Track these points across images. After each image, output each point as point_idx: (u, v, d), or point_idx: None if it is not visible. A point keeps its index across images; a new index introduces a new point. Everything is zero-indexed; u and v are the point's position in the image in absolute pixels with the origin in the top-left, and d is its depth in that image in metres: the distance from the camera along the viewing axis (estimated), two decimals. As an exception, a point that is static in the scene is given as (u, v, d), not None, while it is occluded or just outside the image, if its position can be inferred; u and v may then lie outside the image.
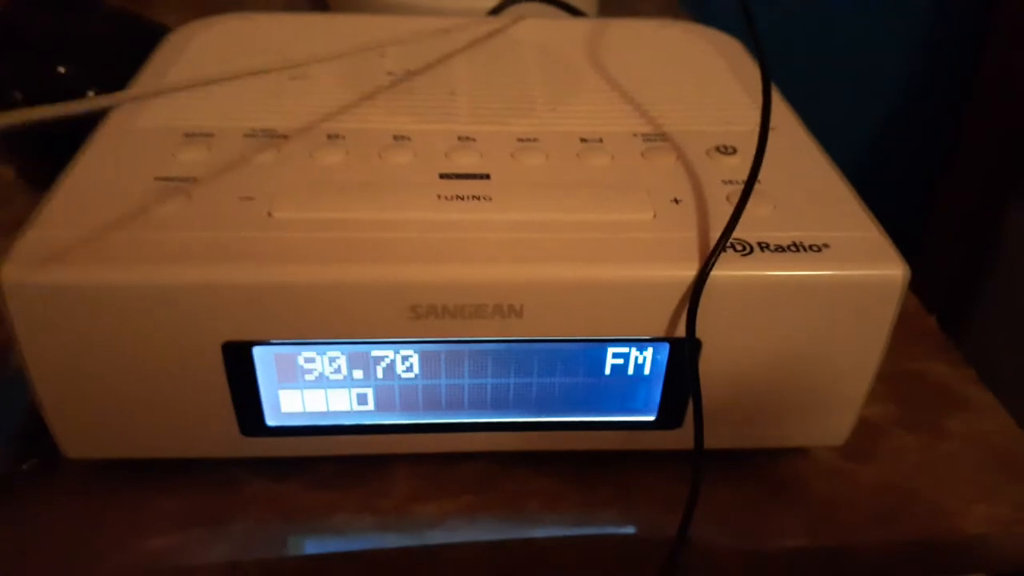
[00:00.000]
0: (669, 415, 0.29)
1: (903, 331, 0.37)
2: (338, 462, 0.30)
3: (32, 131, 0.46)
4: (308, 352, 0.27)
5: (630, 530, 0.29)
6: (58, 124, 0.45)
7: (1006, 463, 0.32)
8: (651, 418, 0.29)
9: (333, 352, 0.27)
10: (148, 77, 0.36)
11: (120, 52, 0.43)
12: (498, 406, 0.28)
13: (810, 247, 0.26)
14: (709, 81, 0.37)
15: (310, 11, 0.68)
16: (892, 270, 0.26)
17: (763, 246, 0.26)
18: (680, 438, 0.29)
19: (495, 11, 0.52)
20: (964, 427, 0.33)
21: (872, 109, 1.11)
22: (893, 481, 0.31)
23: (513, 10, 0.51)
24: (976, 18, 1.04)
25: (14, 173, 0.47)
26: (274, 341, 0.26)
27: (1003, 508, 0.30)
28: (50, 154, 0.44)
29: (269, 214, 0.27)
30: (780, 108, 0.35)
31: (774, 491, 0.31)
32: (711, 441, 0.28)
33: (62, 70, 0.42)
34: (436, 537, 0.28)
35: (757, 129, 0.30)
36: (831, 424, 0.30)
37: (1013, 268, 1.02)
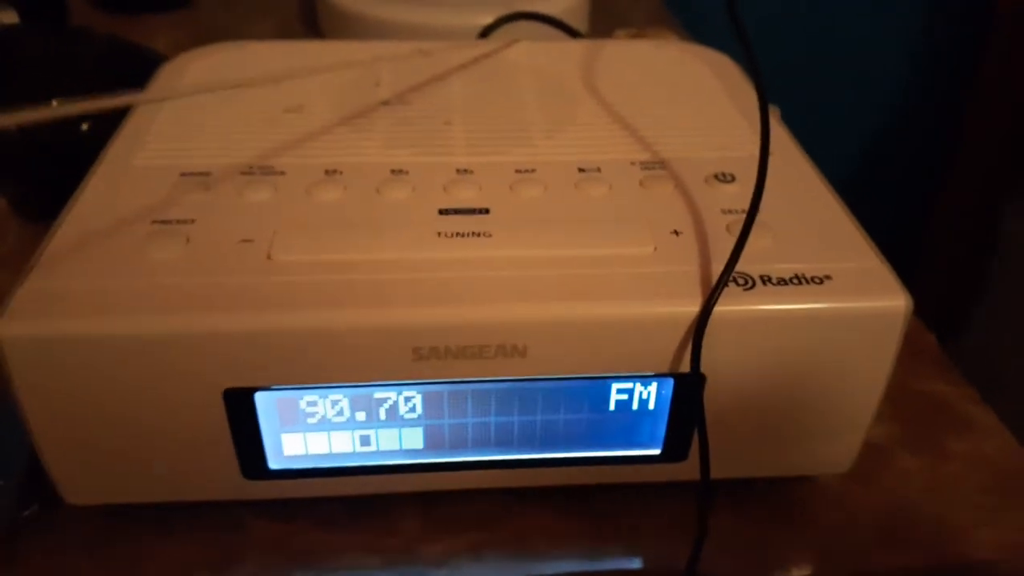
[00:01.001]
0: (674, 448, 0.29)
1: (903, 350, 0.37)
2: (344, 502, 0.30)
3: (25, 164, 0.46)
4: (310, 396, 0.26)
5: (636, 564, 0.29)
6: (51, 158, 0.45)
7: (1010, 485, 0.32)
8: (656, 452, 0.29)
9: (336, 395, 0.27)
10: (142, 112, 0.35)
11: (115, 81, 0.43)
12: (502, 444, 0.28)
13: (812, 279, 0.26)
14: (705, 104, 0.37)
15: (303, 36, 0.68)
16: (895, 301, 0.26)
17: (765, 279, 0.26)
18: (685, 470, 0.29)
19: (486, 32, 0.52)
20: (967, 448, 0.33)
21: (871, 110, 1.11)
22: (898, 505, 0.31)
23: (507, 30, 0.51)
24: (976, 18, 1.04)
25: (7, 206, 0.46)
26: (276, 387, 0.26)
27: (1009, 532, 0.30)
28: (43, 187, 0.44)
29: (268, 256, 0.26)
30: (777, 133, 0.35)
31: (779, 517, 0.30)
32: (716, 472, 0.28)
33: (55, 102, 0.42)
34: (443, 576, 0.28)
35: (755, 154, 0.30)
36: (836, 453, 0.29)
37: (1012, 269, 1.02)
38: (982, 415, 0.35)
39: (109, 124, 0.35)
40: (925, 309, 0.39)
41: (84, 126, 0.42)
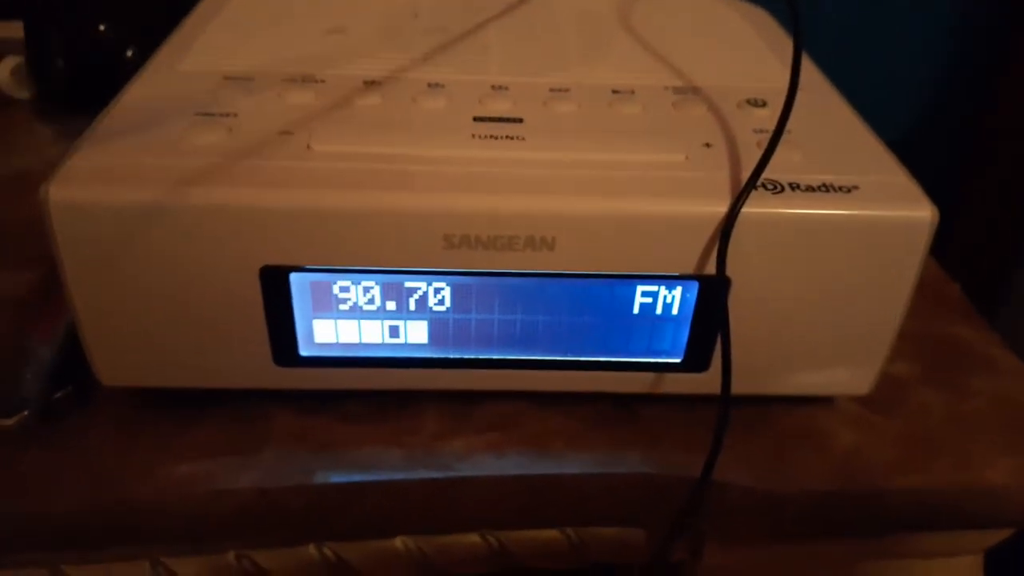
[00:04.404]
0: (696, 358, 0.29)
1: (927, 297, 0.37)
2: (367, 400, 0.31)
3: (72, 91, 0.47)
4: (343, 281, 0.27)
5: (653, 470, 0.29)
6: (97, 84, 0.46)
7: (1032, 420, 0.32)
8: (677, 360, 0.29)
9: (368, 282, 0.27)
10: (188, 29, 0.36)
11: (159, 11, 0.44)
12: (527, 343, 0.29)
13: (840, 188, 0.27)
14: (739, 45, 0.38)
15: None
16: (921, 212, 0.26)
17: (793, 186, 0.27)
18: (706, 382, 0.29)
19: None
20: (989, 386, 0.33)
21: (903, 97, 1.10)
22: (918, 434, 0.31)
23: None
24: (1010, 9, 1.02)
25: (53, 133, 0.48)
26: (310, 267, 0.26)
27: (1028, 462, 0.30)
28: (90, 113, 0.45)
29: (308, 147, 0.27)
30: (810, 69, 0.35)
31: (799, 439, 0.31)
32: (737, 386, 0.28)
33: (102, 28, 0.43)
34: (462, 470, 0.28)
35: (786, 86, 0.30)
36: (856, 371, 0.30)
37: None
38: (1005, 358, 0.35)
39: (154, 49, 0.36)
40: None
41: (129, 52, 0.43)
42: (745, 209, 0.26)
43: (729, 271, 0.27)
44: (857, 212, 0.26)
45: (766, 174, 0.27)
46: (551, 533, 0.31)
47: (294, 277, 0.27)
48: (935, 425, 0.31)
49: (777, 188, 0.26)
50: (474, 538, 0.30)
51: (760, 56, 0.37)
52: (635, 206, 0.26)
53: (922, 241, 0.27)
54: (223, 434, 0.29)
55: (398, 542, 0.30)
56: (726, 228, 0.26)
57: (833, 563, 0.35)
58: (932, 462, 0.30)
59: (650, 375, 0.30)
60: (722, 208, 0.26)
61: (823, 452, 0.30)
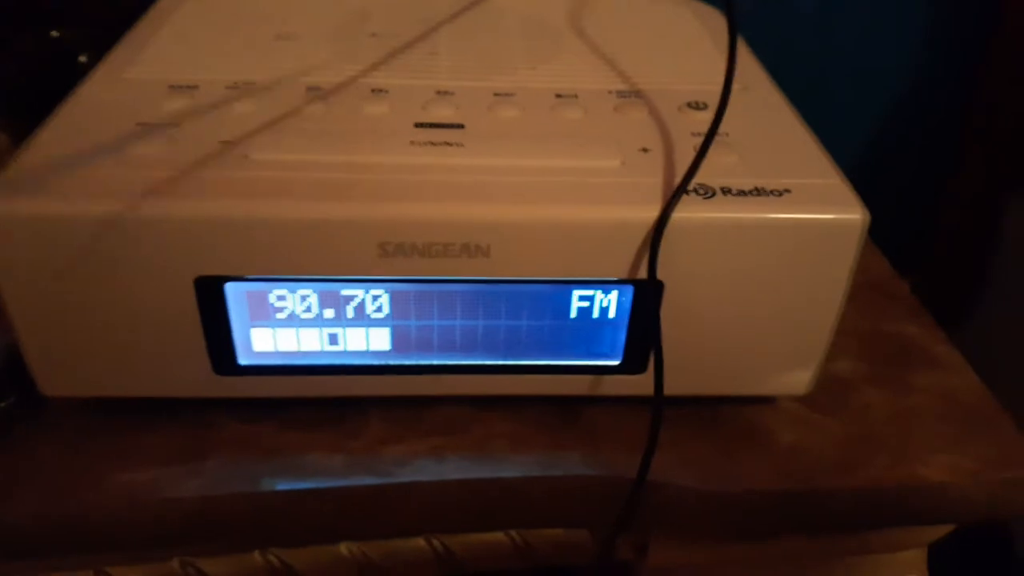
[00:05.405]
0: (634, 360, 0.29)
1: (876, 294, 0.38)
2: (311, 407, 0.31)
3: (24, 99, 0.47)
4: (279, 290, 0.27)
5: (595, 471, 0.30)
6: (50, 91, 0.46)
7: (970, 417, 0.32)
8: (616, 363, 0.29)
9: (304, 290, 0.27)
10: (137, 36, 0.36)
11: (113, 17, 0.44)
12: (467, 349, 0.29)
13: (772, 192, 0.27)
14: (688, 47, 0.38)
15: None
16: (852, 214, 0.27)
17: (726, 191, 0.27)
18: (644, 383, 0.30)
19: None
20: (931, 383, 0.34)
21: (875, 105, 1.10)
22: (859, 432, 0.31)
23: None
24: (981, 18, 1.03)
25: (9, 141, 0.48)
26: (246, 277, 0.27)
27: (966, 459, 0.30)
28: (42, 118, 0.45)
29: (246, 156, 0.27)
30: (753, 68, 0.35)
31: (742, 439, 0.31)
32: (675, 387, 0.28)
33: (55, 34, 0.43)
34: (405, 475, 0.29)
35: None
36: (794, 372, 0.30)
37: (1015, 265, 1.01)
38: (949, 355, 0.35)
39: (106, 53, 0.36)
40: (930, 302, 0.39)
41: (83, 58, 0.43)
42: (676, 214, 0.26)
43: (662, 275, 0.27)
44: (787, 216, 0.26)
45: (701, 178, 0.27)
46: (496, 536, 0.31)
47: (229, 287, 0.27)
48: (876, 424, 0.32)
49: (709, 193, 0.27)
50: (419, 542, 0.31)
51: (707, 57, 0.37)
52: (568, 213, 0.26)
53: (853, 243, 0.27)
54: (169, 442, 0.30)
55: (343, 548, 0.31)
56: (657, 233, 0.26)
57: (779, 561, 0.35)
58: (873, 460, 0.30)
59: (590, 378, 0.30)
60: (653, 214, 0.26)
61: (767, 452, 0.31)
